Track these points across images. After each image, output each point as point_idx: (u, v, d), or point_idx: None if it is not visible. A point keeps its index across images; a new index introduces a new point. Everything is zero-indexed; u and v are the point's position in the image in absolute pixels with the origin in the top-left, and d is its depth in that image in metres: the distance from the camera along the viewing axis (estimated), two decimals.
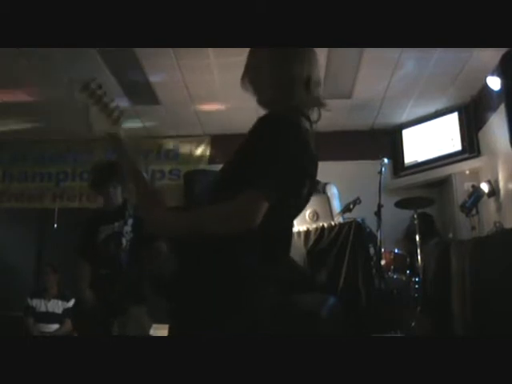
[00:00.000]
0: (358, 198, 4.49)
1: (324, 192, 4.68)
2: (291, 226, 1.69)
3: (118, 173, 3.36)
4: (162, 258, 1.72)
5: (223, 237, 1.44)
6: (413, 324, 4.12)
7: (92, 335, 3.21)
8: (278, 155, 1.46)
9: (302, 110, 1.64)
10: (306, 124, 1.63)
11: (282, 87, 1.62)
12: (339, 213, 4.51)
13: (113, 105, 1.66)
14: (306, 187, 1.59)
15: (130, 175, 1.68)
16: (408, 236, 5.61)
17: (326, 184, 4.85)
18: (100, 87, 1.63)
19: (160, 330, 5.81)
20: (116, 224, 3.28)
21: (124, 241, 3.23)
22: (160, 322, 5.72)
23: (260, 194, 1.41)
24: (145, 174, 1.68)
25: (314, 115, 1.68)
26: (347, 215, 4.63)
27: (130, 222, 3.26)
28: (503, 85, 4.66)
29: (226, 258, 1.49)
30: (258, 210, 1.40)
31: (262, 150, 1.46)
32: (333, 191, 4.79)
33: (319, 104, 1.68)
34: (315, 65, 1.67)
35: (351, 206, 4.47)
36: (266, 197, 1.41)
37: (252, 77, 1.68)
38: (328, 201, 4.36)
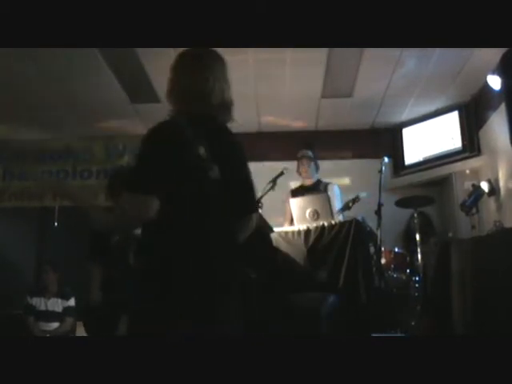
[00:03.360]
0: (357, 196, 4.49)
1: (325, 191, 4.68)
2: (209, 202, 1.93)
3: None
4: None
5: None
6: (413, 323, 4.12)
7: (95, 335, 3.22)
8: (143, 157, 1.85)
9: (182, 110, 1.98)
10: (182, 121, 1.92)
11: (172, 98, 2.03)
12: (339, 211, 4.51)
13: None
14: (183, 173, 1.87)
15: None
16: (407, 235, 5.61)
17: (327, 184, 4.86)
18: None
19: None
20: None
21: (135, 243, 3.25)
22: None
23: (129, 192, 1.81)
24: None
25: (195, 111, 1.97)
26: (347, 213, 4.62)
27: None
28: (504, 84, 4.66)
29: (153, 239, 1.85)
30: (132, 203, 1.79)
31: (135, 157, 1.88)
32: (334, 191, 4.79)
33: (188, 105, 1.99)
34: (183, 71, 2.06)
35: (350, 204, 4.47)
36: (134, 191, 1.80)
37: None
38: (328, 200, 4.35)
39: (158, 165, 1.82)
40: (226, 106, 2.00)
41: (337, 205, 4.62)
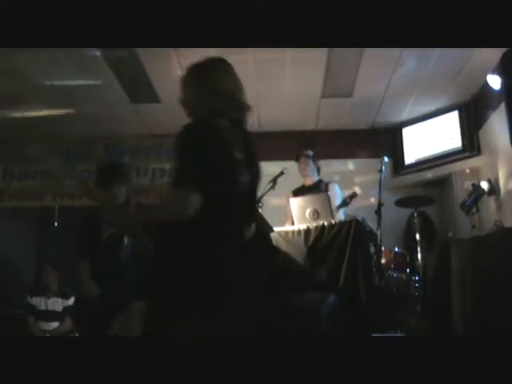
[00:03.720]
0: (355, 193, 4.50)
1: (326, 191, 4.68)
2: (246, 205, 2.02)
3: (124, 173, 3.43)
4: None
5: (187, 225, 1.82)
6: (413, 323, 4.12)
7: (91, 335, 3.22)
8: (190, 155, 1.88)
9: (217, 114, 2.00)
10: (225, 124, 1.99)
11: (197, 101, 2.04)
12: (337, 207, 4.52)
13: None
14: (234, 170, 1.94)
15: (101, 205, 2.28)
16: (407, 235, 5.61)
17: (328, 183, 4.85)
18: None
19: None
20: None
21: (126, 239, 3.24)
22: None
23: (179, 188, 1.84)
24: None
25: (235, 117, 2.04)
26: (348, 213, 4.62)
27: None
28: (504, 83, 4.66)
29: (194, 242, 1.86)
30: (181, 200, 1.81)
31: (178, 155, 1.90)
32: (335, 190, 4.78)
33: (230, 110, 2.03)
34: (226, 78, 2.07)
35: (348, 201, 4.48)
36: (185, 188, 1.81)
37: (181, 97, 2.10)
38: (328, 199, 4.35)
39: (204, 164, 1.86)
40: (248, 112, 2.10)
41: (338, 204, 4.63)
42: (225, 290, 1.84)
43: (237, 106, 2.05)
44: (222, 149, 1.92)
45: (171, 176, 1.94)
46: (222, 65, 2.10)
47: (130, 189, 3.44)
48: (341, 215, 4.53)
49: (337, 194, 4.78)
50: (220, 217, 1.90)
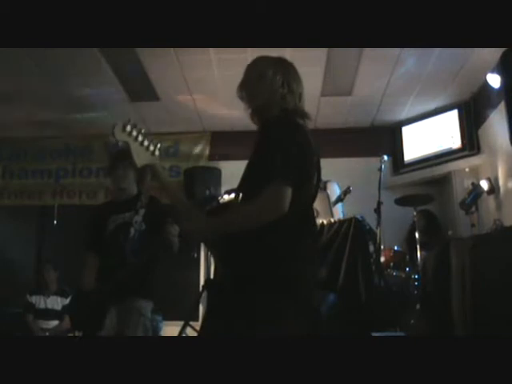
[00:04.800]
0: (349, 188, 4.51)
1: (325, 189, 4.68)
2: (312, 210, 1.99)
3: (128, 156, 3.36)
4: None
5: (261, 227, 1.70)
6: (412, 321, 4.13)
7: (88, 329, 3.18)
8: (289, 149, 1.75)
9: (296, 112, 1.94)
10: (302, 122, 1.93)
11: (276, 95, 1.95)
12: (333, 203, 4.53)
13: (148, 139, 1.94)
14: (314, 173, 1.91)
15: (168, 196, 1.95)
16: (411, 234, 5.61)
17: (327, 181, 4.84)
18: (135, 126, 1.93)
19: (170, 327, 5.80)
20: (127, 214, 3.25)
21: (132, 230, 3.19)
22: (170, 319, 5.75)
23: (282, 182, 1.69)
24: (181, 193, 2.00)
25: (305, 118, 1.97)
26: (347, 212, 4.63)
27: (142, 212, 3.21)
28: (503, 82, 4.66)
29: (268, 244, 1.75)
30: (284, 195, 1.68)
31: (276, 147, 1.76)
32: (334, 189, 4.79)
33: (303, 109, 1.99)
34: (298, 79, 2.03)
35: (342, 196, 4.50)
36: (287, 183, 1.69)
37: (249, 88, 1.99)
38: (328, 198, 4.36)
39: (302, 161, 1.80)
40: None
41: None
42: (309, 291, 1.86)
43: (303, 107, 2.00)
44: (309, 148, 1.86)
45: (254, 171, 1.86)
46: (293, 66, 2.06)
47: (142, 182, 3.36)
48: (339, 213, 4.53)
49: (336, 193, 4.78)
50: (304, 217, 1.87)
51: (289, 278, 1.75)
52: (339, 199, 4.51)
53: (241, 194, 1.90)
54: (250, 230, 1.72)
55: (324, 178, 4.94)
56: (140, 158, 1.93)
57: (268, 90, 1.94)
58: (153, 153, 1.95)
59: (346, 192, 4.49)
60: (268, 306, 1.70)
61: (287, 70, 2.02)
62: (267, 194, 1.69)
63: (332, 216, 4.25)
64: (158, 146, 1.96)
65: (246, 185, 1.90)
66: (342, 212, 4.79)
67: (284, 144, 1.76)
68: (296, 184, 1.72)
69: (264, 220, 1.70)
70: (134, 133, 1.91)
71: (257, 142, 1.87)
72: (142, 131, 1.93)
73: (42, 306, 5.57)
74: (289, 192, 1.69)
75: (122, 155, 3.29)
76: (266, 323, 1.69)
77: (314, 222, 2.03)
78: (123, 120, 1.92)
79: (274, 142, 1.77)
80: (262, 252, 1.75)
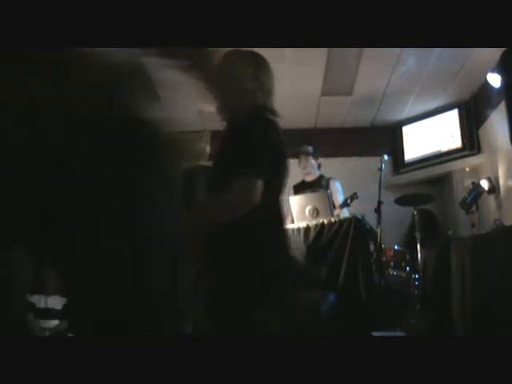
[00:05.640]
0: (355, 194, 4.51)
1: (327, 187, 4.67)
2: (280, 203, 1.97)
3: None
4: None
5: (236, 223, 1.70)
6: (412, 321, 4.13)
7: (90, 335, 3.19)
8: (260, 145, 1.79)
9: (266, 108, 1.96)
10: (272, 118, 1.96)
11: (247, 94, 1.95)
12: (339, 206, 4.53)
13: None
14: (283, 168, 1.92)
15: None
16: (412, 233, 5.61)
17: (329, 179, 4.81)
18: None
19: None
20: None
21: None
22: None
23: (252, 174, 1.73)
24: None
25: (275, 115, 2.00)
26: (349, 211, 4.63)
27: None
28: (504, 82, 4.66)
29: (241, 239, 1.76)
30: (254, 187, 1.70)
31: (247, 144, 1.79)
32: (336, 186, 4.77)
33: (272, 106, 2.00)
34: (269, 74, 2.01)
35: (349, 201, 4.49)
36: (257, 175, 1.72)
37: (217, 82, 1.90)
38: (328, 197, 4.35)
39: (273, 157, 1.82)
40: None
41: (340, 199, 4.62)
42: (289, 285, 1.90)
43: (272, 104, 2.01)
44: (281, 145, 1.90)
45: (224, 168, 1.88)
46: (265, 60, 2.03)
47: None
48: (345, 213, 4.53)
49: (338, 191, 4.77)
50: (277, 211, 1.89)
51: (262, 272, 1.77)
52: (345, 204, 4.51)
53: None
54: (221, 225, 1.73)
55: (325, 176, 4.93)
56: None
57: (237, 85, 1.95)
58: None
59: (352, 197, 4.48)
60: (244, 303, 1.73)
61: (259, 64, 2.00)
62: (237, 187, 1.72)
63: (333, 215, 4.25)
64: None
65: (217, 183, 1.93)
66: (347, 212, 4.77)
67: (254, 140, 1.80)
68: (266, 179, 1.74)
69: (236, 213, 1.72)
70: None
71: (226, 139, 1.91)
72: None
73: (42, 305, 5.57)
74: (259, 184, 1.71)
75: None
76: (243, 319, 1.72)
77: (283, 215, 2.00)
78: None
79: (244, 138, 1.80)
80: (234, 247, 1.77)
